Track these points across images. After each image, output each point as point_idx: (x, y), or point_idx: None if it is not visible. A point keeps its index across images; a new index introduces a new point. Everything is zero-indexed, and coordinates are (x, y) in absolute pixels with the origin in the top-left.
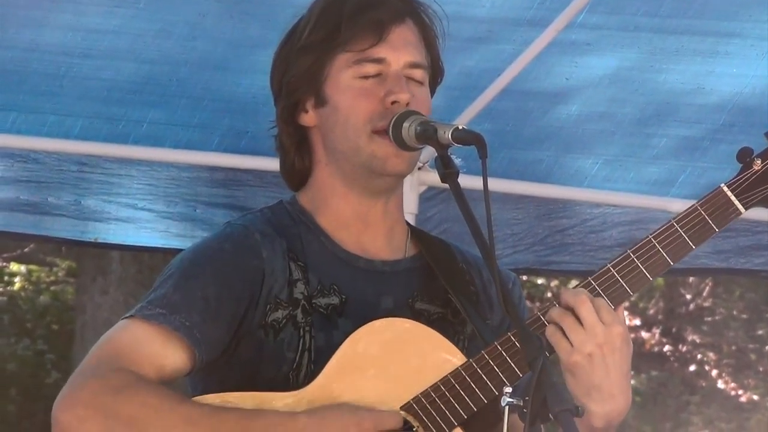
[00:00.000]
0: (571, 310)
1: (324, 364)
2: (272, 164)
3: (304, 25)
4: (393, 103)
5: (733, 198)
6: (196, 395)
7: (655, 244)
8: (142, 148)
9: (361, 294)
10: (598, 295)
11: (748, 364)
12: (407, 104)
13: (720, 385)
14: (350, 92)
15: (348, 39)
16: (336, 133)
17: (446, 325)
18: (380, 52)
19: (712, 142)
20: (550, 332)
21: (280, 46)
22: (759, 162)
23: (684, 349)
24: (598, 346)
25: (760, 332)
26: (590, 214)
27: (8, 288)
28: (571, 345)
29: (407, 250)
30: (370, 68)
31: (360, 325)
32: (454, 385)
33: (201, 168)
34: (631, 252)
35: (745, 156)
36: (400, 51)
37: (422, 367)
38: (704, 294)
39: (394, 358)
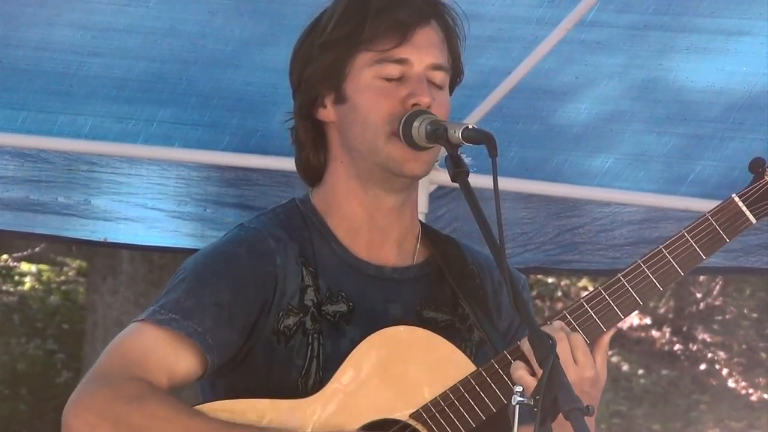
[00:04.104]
0: None
1: (332, 371)
2: (282, 163)
3: (327, 20)
4: (414, 105)
5: (744, 208)
6: (207, 399)
7: (665, 254)
8: (152, 147)
9: (369, 301)
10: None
11: (758, 363)
12: (428, 108)
13: (730, 383)
14: (370, 92)
15: (372, 38)
16: (354, 132)
17: (454, 333)
18: (403, 52)
19: (721, 141)
20: (515, 368)
21: (300, 40)
22: None
23: (694, 348)
24: None
25: None
26: (600, 213)
27: (18, 288)
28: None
29: (417, 255)
30: (393, 69)
31: (367, 333)
32: (463, 393)
33: (211, 167)
34: (642, 262)
35: (757, 166)
36: (423, 52)
37: (431, 375)
38: (714, 293)
39: (403, 365)
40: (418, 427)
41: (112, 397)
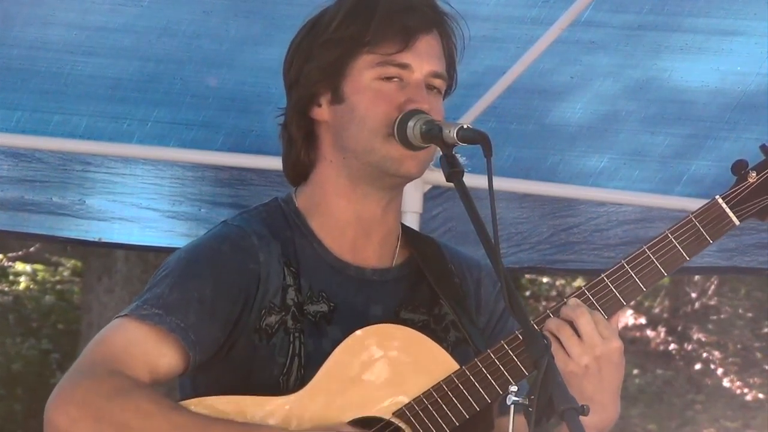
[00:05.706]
0: (569, 323)
1: (314, 370)
2: (277, 163)
3: (331, 18)
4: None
5: (727, 210)
6: (187, 395)
7: (649, 255)
8: (147, 147)
9: (350, 302)
10: (594, 306)
11: (753, 363)
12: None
13: (725, 383)
14: (369, 93)
15: (376, 40)
16: (349, 132)
17: (429, 333)
18: (405, 58)
19: (716, 140)
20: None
21: (300, 37)
22: (754, 174)
23: (689, 347)
24: (595, 359)
25: (765, 330)
26: (595, 213)
27: (13, 288)
28: (568, 356)
29: (397, 256)
30: (392, 71)
31: (348, 334)
32: (446, 392)
33: (205, 167)
34: (626, 262)
35: (740, 169)
36: (424, 60)
37: (414, 373)
38: (710, 292)
39: (387, 363)
40: (402, 425)
41: (94, 391)
